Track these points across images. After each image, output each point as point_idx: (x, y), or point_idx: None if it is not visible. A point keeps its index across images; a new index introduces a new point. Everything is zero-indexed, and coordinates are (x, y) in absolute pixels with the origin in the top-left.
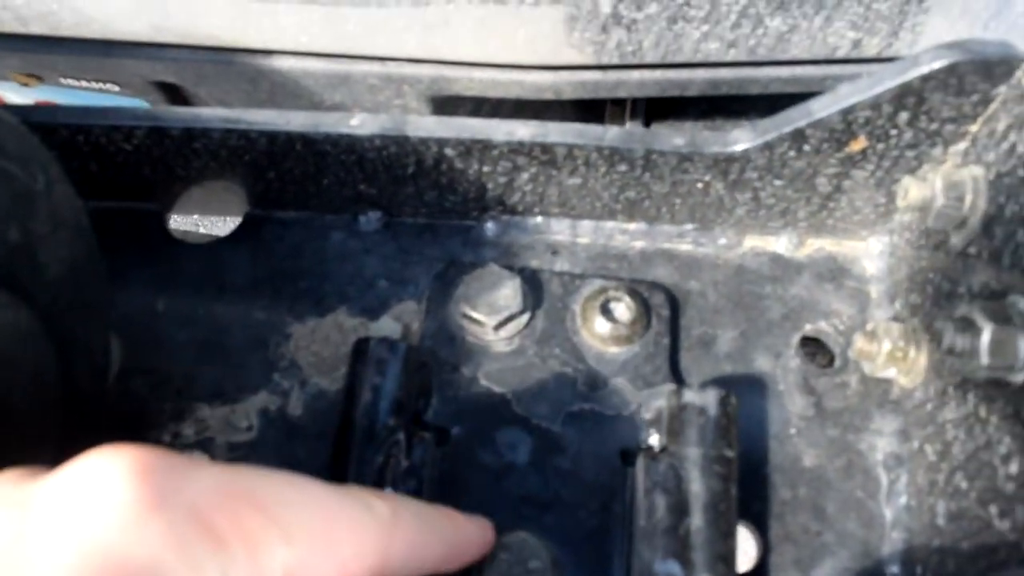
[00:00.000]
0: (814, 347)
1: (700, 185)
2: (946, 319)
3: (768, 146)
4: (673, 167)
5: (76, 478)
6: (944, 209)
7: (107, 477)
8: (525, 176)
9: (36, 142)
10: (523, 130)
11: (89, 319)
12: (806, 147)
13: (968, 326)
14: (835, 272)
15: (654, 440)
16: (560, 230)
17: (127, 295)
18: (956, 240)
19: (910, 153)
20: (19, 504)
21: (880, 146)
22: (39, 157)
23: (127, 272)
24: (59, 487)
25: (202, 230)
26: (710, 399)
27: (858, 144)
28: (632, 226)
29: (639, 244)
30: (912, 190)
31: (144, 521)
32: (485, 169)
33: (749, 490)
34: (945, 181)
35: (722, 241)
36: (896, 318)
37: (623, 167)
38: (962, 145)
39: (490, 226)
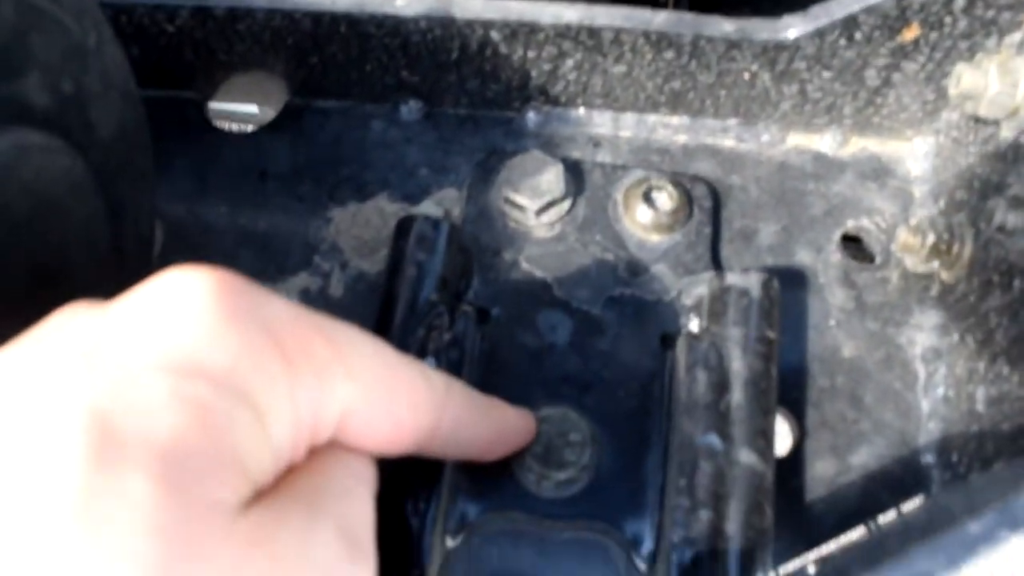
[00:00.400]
0: (855, 245)
1: (747, 76)
2: (997, 199)
3: (819, 33)
4: (720, 55)
5: (155, 290)
6: (997, 97)
7: (188, 289)
8: (570, 63)
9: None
10: (570, 13)
11: (136, 186)
12: (858, 35)
13: (1020, 203)
14: (879, 171)
15: (695, 325)
16: (602, 123)
17: (169, 181)
18: (1007, 131)
19: (963, 44)
20: (96, 315)
21: (933, 35)
22: (92, 14)
23: (169, 159)
24: (138, 299)
25: (243, 119)
26: (753, 281)
27: (911, 32)
28: (675, 120)
29: (681, 138)
30: (965, 77)
31: (224, 330)
32: (530, 55)
33: (787, 378)
34: (1000, 68)
35: (765, 138)
36: (940, 215)
37: (669, 54)
38: (1017, 36)
39: (532, 117)
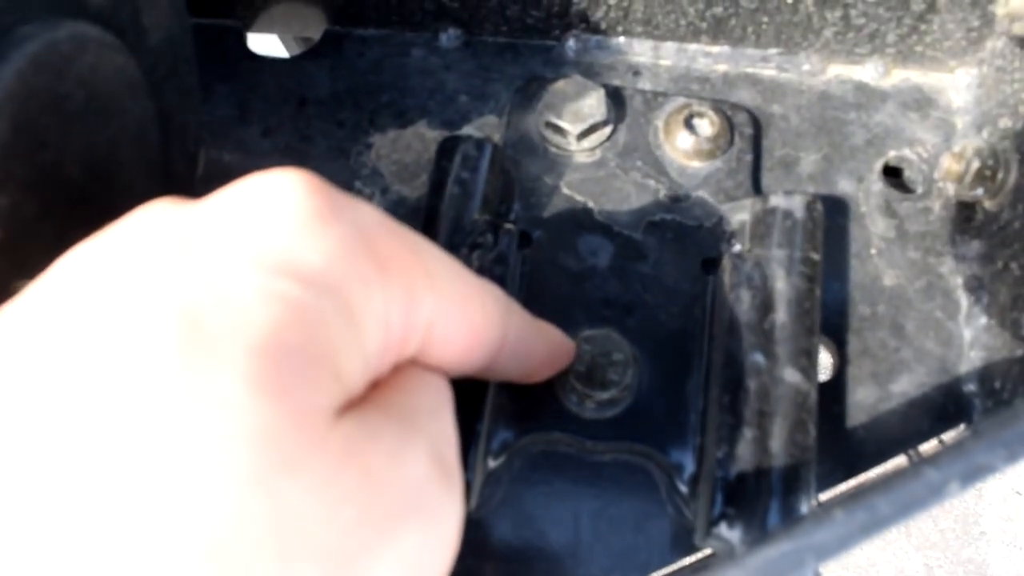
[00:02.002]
0: (896, 177)
1: (789, 1)
2: None
3: None
4: None
5: (247, 189)
6: None
7: (281, 189)
8: None
9: None
10: None
11: (183, 99)
12: None
13: None
14: (921, 102)
15: (737, 248)
16: (642, 51)
17: (210, 108)
18: None
19: None
20: (185, 211)
21: None
22: None
23: (209, 86)
24: (229, 197)
25: (283, 46)
26: (796, 203)
27: None
28: (716, 49)
29: (722, 67)
30: None
31: (319, 229)
32: None
33: (828, 306)
34: None
35: (806, 67)
36: (984, 143)
37: None
38: None
39: (571, 45)
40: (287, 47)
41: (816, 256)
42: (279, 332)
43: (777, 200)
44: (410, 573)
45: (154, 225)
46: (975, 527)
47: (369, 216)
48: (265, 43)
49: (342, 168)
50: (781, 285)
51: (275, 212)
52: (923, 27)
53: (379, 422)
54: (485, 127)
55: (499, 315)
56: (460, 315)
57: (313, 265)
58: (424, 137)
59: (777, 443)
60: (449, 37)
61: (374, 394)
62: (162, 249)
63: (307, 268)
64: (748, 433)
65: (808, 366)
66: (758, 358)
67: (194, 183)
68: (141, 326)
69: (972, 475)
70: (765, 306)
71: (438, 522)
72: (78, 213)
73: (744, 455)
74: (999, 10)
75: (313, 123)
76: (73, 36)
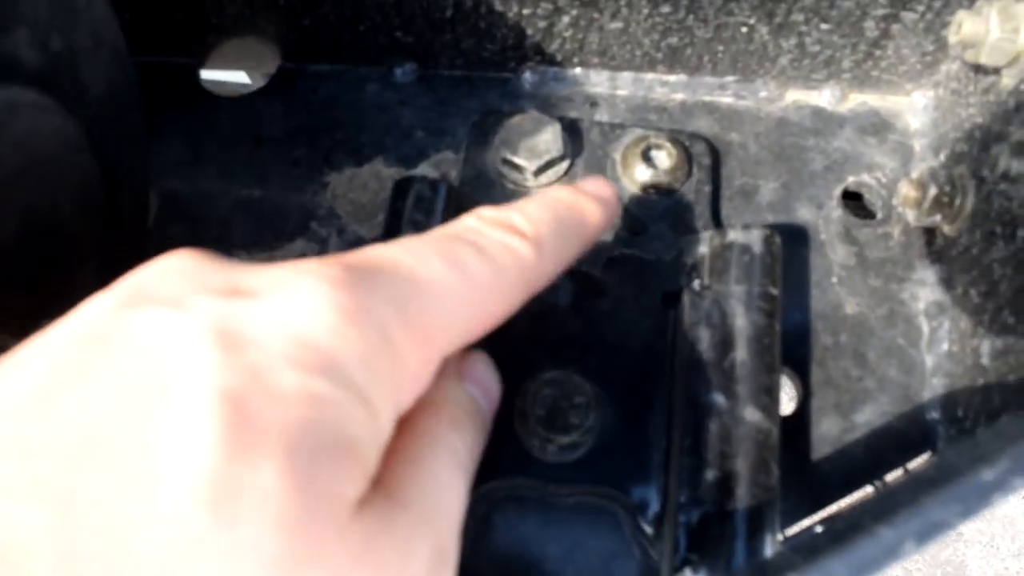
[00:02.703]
0: (856, 201)
1: (744, 29)
2: (1001, 145)
3: None
4: (718, 8)
5: (284, 278)
6: (999, 43)
7: (314, 283)
8: (566, 20)
9: None
10: None
11: (129, 147)
12: None
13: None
14: (878, 126)
15: (696, 283)
16: (599, 82)
17: (162, 148)
18: (1008, 79)
19: None
20: (222, 288)
21: None
22: None
23: (161, 125)
24: (267, 282)
25: (235, 84)
26: (754, 237)
27: None
28: (672, 78)
29: (679, 96)
30: (966, 24)
31: (349, 330)
32: (525, 12)
33: (790, 337)
34: (1001, 14)
35: (763, 94)
36: (942, 168)
37: (666, 8)
38: None
39: (528, 77)
40: (240, 85)
41: (775, 291)
42: (315, 430)
43: (735, 235)
44: None
45: (197, 300)
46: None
47: (390, 309)
48: (217, 81)
49: (298, 208)
50: (740, 322)
51: (310, 308)
52: (878, 52)
53: (394, 515)
54: (442, 163)
55: (521, 287)
56: (484, 322)
57: (342, 365)
58: (380, 175)
59: (740, 484)
60: (404, 71)
61: (390, 470)
62: (207, 331)
63: (337, 367)
64: (710, 475)
65: (769, 404)
66: (719, 398)
67: (145, 226)
68: (187, 409)
69: (928, 532)
70: (724, 344)
71: None
72: (17, 275)
73: (707, 498)
74: (951, 38)
75: (268, 162)
76: (6, 102)
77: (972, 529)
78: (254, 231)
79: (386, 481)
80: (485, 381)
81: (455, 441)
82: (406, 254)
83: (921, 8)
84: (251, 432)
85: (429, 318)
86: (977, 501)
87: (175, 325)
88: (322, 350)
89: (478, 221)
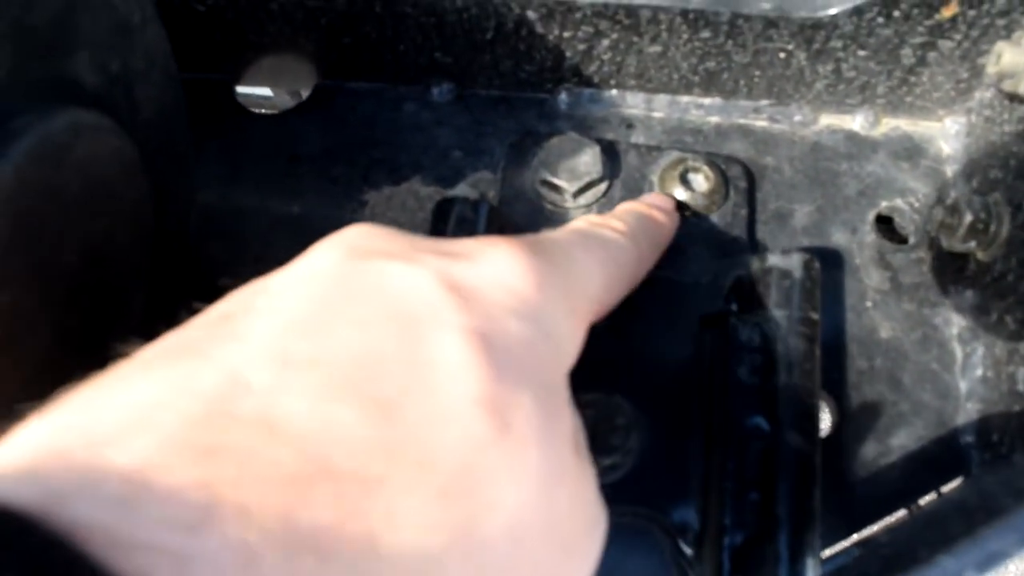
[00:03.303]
0: (888, 226)
1: (782, 55)
2: None
3: (857, 11)
4: (757, 34)
5: (489, 248)
6: None
7: (514, 253)
8: (605, 43)
9: None
10: None
11: (177, 167)
12: (896, 13)
13: None
14: (911, 151)
15: (736, 306)
16: (635, 104)
17: (200, 164)
18: None
19: (1001, 21)
20: (442, 256)
21: (971, 13)
22: None
23: (199, 142)
24: (476, 250)
25: (272, 101)
26: (794, 262)
27: (950, 10)
28: (708, 100)
29: (714, 119)
30: (1006, 55)
31: (543, 288)
32: (565, 35)
33: (825, 360)
34: None
35: (798, 118)
36: (975, 194)
37: (706, 33)
38: None
39: (564, 98)
40: (277, 101)
41: (815, 316)
42: (544, 369)
43: (775, 259)
44: (589, 568)
45: (425, 267)
46: None
47: (562, 275)
48: (254, 96)
49: (336, 226)
50: (781, 347)
51: (512, 269)
52: (913, 79)
53: (583, 453)
54: (480, 183)
55: (630, 270)
56: (609, 303)
57: (546, 315)
58: (419, 194)
59: (782, 508)
60: (441, 91)
61: None
62: (443, 287)
63: (546, 320)
64: (754, 498)
65: (810, 428)
66: (760, 422)
67: (188, 244)
68: (449, 342)
69: (987, 562)
70: (766, 368)
71: (603, 532)
72: (75, 300)
73: (750, 521)
74: (990, 68)
75: (305, 179)
76: (69, 125)
77: None
78: (292, 248)
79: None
80: None
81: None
82: (558, 239)
83: (958, 37)
84: (505, 364)
85: (583, 294)
86: None
87: (411, 273)
88: (531, 305)
89: (589, 224)
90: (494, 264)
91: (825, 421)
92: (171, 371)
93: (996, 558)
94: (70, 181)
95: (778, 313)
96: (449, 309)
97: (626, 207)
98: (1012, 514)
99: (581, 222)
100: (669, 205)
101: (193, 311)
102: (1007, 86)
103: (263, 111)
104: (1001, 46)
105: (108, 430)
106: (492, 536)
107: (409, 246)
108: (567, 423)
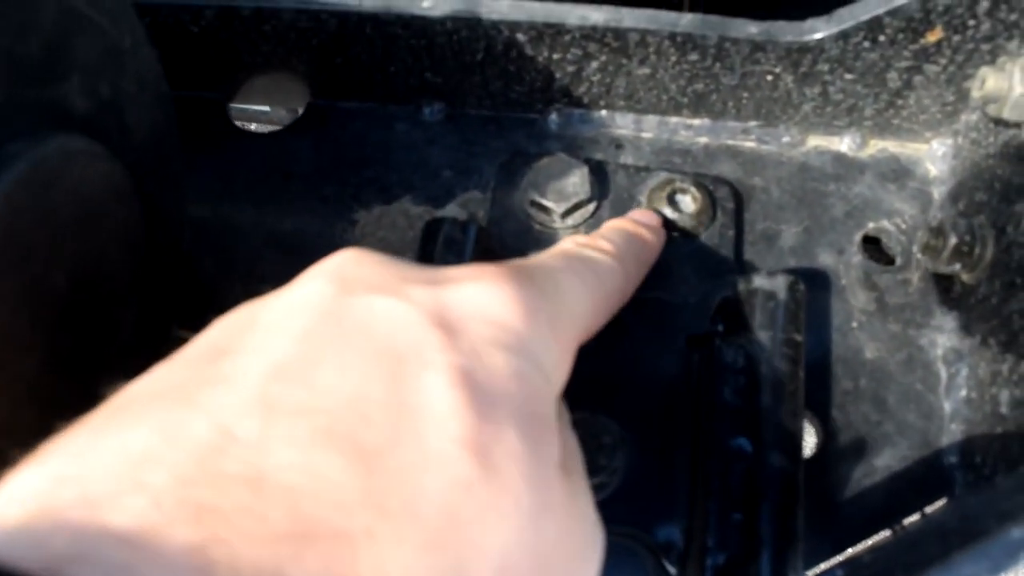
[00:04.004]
0: (875, 247)
1: (769, 78)
2: (1023, 199)
3: (843, 35)
4: (745, 57)
5: (474, 277)
6: (1021, 99)
7: (500, 285)
8: (594, 65)
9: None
10: (597, 15)
11: (169, 188)
12: (881, 37)
13: None
14: (898, 173)
15: (721, 327)
16: (624, 124)
17: (192, 182)
18: None
19: (985, 46)
20: (427, 286)
21: (956, 38)
22: (128, 16)
23: (192, 160)
24: (461, 279)
25: (265, 120)
26: (779, 284)
27: (934, 35)
28: (696, 122)
29: (703, 140)
30: (990, 80)
31: (530, 321)
32: (555, 57)
33: (811, 380)
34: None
35: (786, 139)
36: (960, 216)
37: (694, 56)
38: None
39: (554, 119)
40: (269, 120)
41: (799, 337)
42: (528, 401)
43: (760, 281)
44: None
45: (410, 296)
46: None
47: (549, 310)
48: (247, 116)
49: (327, 245)
50: (765, 368)
51: (498, 300)
52: (899, 102)
53: (572, 477)
54: (469, 203)
55: (617, 291)
56: (597, 324)
57: (532, 346)
58: (408, 213)
59: (765, 528)
60: (432, 111)
61: None
62: (429, 322)
63: (531, 349)
64: (737, 518)
65: (793, 449)
66: (744, 443)
67: (180, 265)
68: (431, 381)
69: None
70: (749, 389)
71: (600, 550)
72: (66, 322)
73: (733, 541)
74: (975, 93)
75: (297, 197)
76: (60, 150)
77: None
78: (283, 266)
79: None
80: None
81: (565, 410)
82: (546, 265)
83: (944, 61)
84: (489, 402)
85: (571, 318)
86: (1006, 559)
87: (398, 309)
88: (517, 335)
89: (576, 245)
90: (481, 295)
91: (810, 441)
92: (160, 419)
93: None
94: (61, 206)
95: (763, 335)
96: (434, 348)
97: (613, 225)
98: (986, 539)
99: (568, 243)
100: (655, 221)
101: (178, 340)
102: (992, 111)
103: (256, 130)
104: (985, 71)
105: (103, 489)
106: None
107: (398, 277)
108: (554, 451)
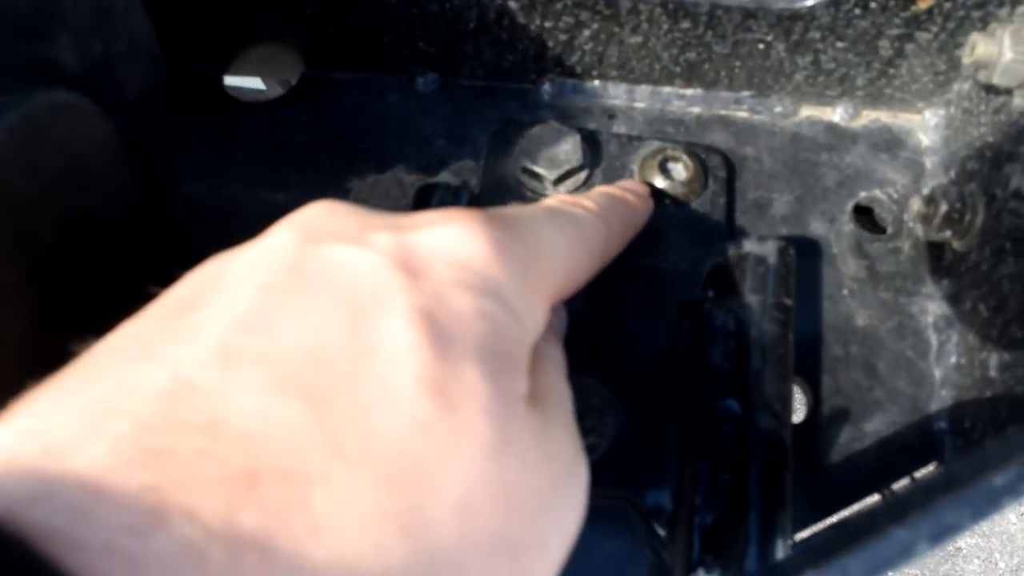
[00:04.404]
0: (867, 216)
1: (761, 46)
2: (1013, 165)
3: (835, 2)
4: (736, 24)
5: (442, 219)
6: (1011, 64)
7: (469, 225)
8: (586, 33)
9: None
10: None
11: (161, 150)
12: (872, 4)
13: None
14: (890, 143)
15: (712, 292)
16: (617, 95)
17: (186, 153)
18: (1020, 99)
19: (976, 13)
20: (391, 230)
21: (947, 5)
22: None
23: (185, 132)
24: (428, 224)
25: (259, 91)
26: (769, 249)
27: (925, 2)
28: (689, 91)
29: (696, 110)
30: (980, 45)
31: (499, 260)
32: (547, 25)
33: (801, 347)
34: (1013, 36)
35: (778, 109)
36: (952, 184)
37: (686, 24)
38: None
39: (547, 89)
40: (263, 92)
41: (789, 301)
42: (492, 339)
43: (750, 246)
44: (563, 527)
45: (373, 241)
46: (951, 544)
47: (520, 249)
48: (241, 87)
49: None
50: (755, 332)
51: (466, 242)
52: (891, 71)
53: (544, 412)
54: (462, 171)
55: (603, 251)
56: (577, 279)
57: (500, 287)
58: (402, 182)
59: (753, 488)
60: (426, 81)
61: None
62: (391, 264)
63: (496, 290)
64: (725, 479)
65: (782, 411)
66: (733, 404)
67: (173, 228)
68: (392, 321)
69: (941, 534)
70: (739, 352)
71: (580, 486)
72: (55, 277)
73: (721, 501)
74: (965, 59)
75: (291, 169)
76: (49, 104)
77: (971, 544)
78: None
79: (530, 390)
80: (559, 311)
81: (560, 357)
82: (523, 213)
83: (935, 29)
84: (448, 340)
85: (548, 266)
86: (987, 504)
87: (360, 256)
88: (482, 275)
89: (559, 201)
90: (448, 238)
91: (800, 407)
92: (123, 373)
93: (950, 530)
94: (50, 159)
95: (752, 298)
96: (395, 290)
97: (599, 189)
98: (969, 487)
99: (551, 200)
100: (643, 190)
101: (150, 296)
102: (982, 76)
103: (250, 100)
104: (975, 37)
105: (64, 437)
106: (439, 516)
107: (363, 226)
108: (520, 388)
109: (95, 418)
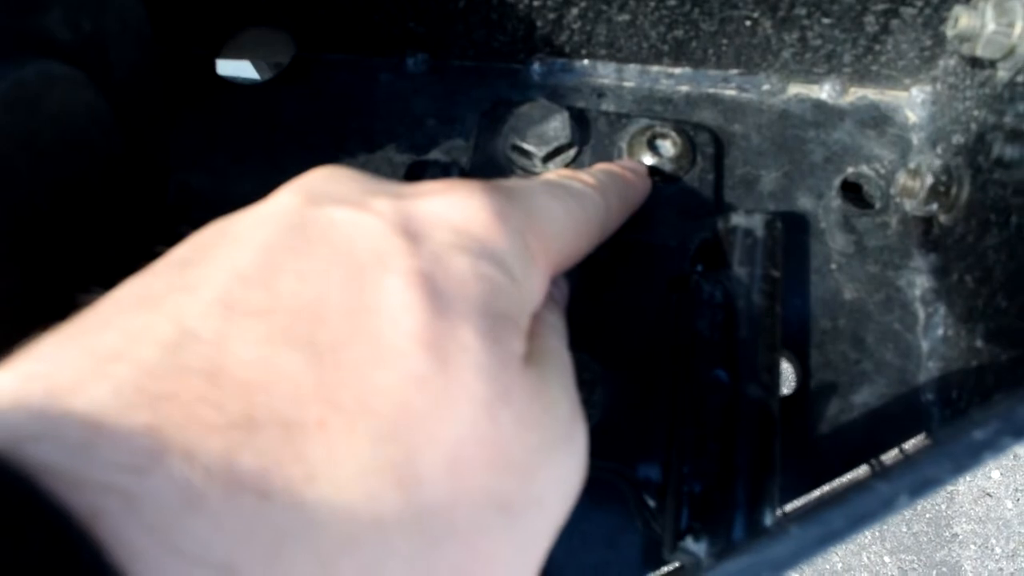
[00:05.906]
0: (855, 192)
1: (748, 23)
2: (995, 133)
3: None
4: (722, 2)
5: (443, 188)
6: (994, 36)
7: (466, 193)
8: (574, 12)
9: None
10: None
11: (152, 128)
12: None
13: (1018, 136)
14: (877, 119)
15: (700, 267)
16: (606, 74)
17: (179, 133)
18: (1004, 71)
19: None
20: (393, 197)
21: None
22: None
23: (178, 112)
24: (429, 191)
25: (251, 73)
26: (757, 222)
27: None
28: (677, 70)
29: (684, 88)
30: (963, 18)
31: (499, 225)
32: (535, 4)
33: (789, 320)
34: (996, 8)
35: (766, 87)
36: (938, 159)
37: (672, 1)
38: None
39: (536, 68)
40: (255, 73)
41: (776, 273)
42: (489, 300)
43: (738, 219)
44: (561, 486)
45: (375, 204)
46: (947, 530)
47: (520, 216)
48: (234, 69)
49: None
50: (743, 303)
51: (465, 209)
52: (878, 47)
53: (543, 371)
54: (453, 150)
55: (601, 226)
56: (576, 251)
57: (499, 251)
58: (393, 161)
59: (741, 457)
60: (416, 61)
61: (530, 341)
62: (390, 227)
63: (494, 254)
64: (713, 448)
65: (770, 381)
66: (720, 374)
67: (164, 209)
68: (392, 282)
69: (921, 488)
70: (727, 324)
71: (578, 446)
72: (47, 245)
73: (709, 469)
74: (949, 32)
75: (283, 148)
76: (41, 74)
77: (967, 530)
78: None
79: (528, 351)
80: (560, 283)
81: (560, 325)
82: (524, 184)
83: (920, 3)
84: (445, 301)
85: (547, 235)
86: (969, 459)
87: (361, 220)
88: (481, 240)
89: (559, 175)
90: (449, 206)
91: (789, 379)
92: (127, 322)
93: (930, 484)
94: (42, 128)
95: (740, 271)
96: (394, 253)
97: (599, 166)
98: (949, 443)
99: (551, 173)
100: (642, 169)
101: (156, 255)
102: (966, 49)
103: (243, 82)
104: (958, 10)
105: (67, 379)
106: (431, 471)
107: (365, 191)
108: (517, 347)
109: (98, 363)
